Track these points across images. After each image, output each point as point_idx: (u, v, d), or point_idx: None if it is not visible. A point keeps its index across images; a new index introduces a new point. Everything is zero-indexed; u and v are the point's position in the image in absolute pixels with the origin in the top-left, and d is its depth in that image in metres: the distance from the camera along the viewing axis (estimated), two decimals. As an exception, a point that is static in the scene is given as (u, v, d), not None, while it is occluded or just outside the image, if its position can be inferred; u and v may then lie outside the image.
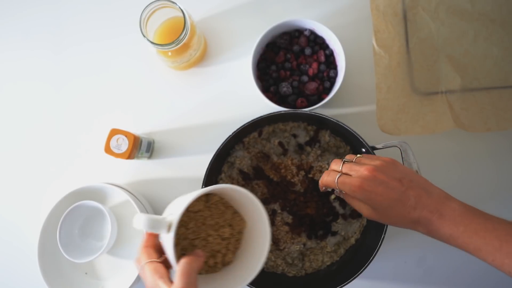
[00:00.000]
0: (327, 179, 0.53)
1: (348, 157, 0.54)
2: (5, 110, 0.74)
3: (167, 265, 0.44)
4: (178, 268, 0.41)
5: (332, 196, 0.64)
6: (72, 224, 0.65)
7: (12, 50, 0.75)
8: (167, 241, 0.42)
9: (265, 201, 0.66)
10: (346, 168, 0.51)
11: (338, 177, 0.51)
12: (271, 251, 0.65)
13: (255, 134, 0.67)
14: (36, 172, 0.72)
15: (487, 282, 0.68)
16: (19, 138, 0.73)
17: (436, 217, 0.46)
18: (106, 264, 0.68)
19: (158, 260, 0.44)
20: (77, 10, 0.74)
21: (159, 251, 0.45)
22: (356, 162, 0.52)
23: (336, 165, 0.53)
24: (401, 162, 0.57)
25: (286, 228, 0.65)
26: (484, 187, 0.69)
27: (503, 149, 0.69)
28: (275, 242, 0.65)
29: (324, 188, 0.57)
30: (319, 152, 0.66)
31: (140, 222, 0.42)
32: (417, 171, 0.56)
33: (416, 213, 0.47)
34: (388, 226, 0.58)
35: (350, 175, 0.50)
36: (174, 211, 0.44)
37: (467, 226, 0.45)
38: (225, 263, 0.49)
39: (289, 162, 0.66)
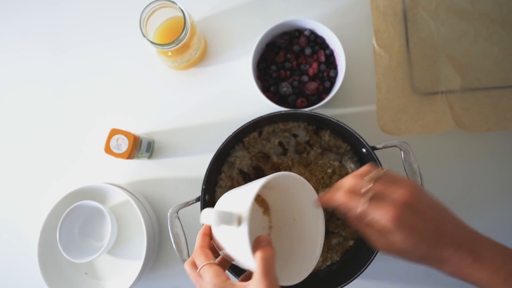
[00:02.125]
0: (349, 201, 0.43)
1: (373, 173, 0.44)
2: (5, 110, 0.74)
3: (223, 265, 0.43)
4: (257, 264, 0.39)
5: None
6: (72, 224, 0.65)
7: (12, 52, 0.75)
8: (239, 235, 0.40)
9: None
10: (378, 189, 0.42)
11: (368, 200, 0.42)
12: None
13: (255, 134, 0.67)
14: (36, 172, 0.72)
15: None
16: (19, 138, 0.73)
17: (472, 258, 0.40)
18: (106, 264, 0.68)
19: (216, 262, 0.42)
20: (77, 12, 0.74)
21: (214, 252, 0.44)
22: (382, 182, 0.43)
23: (355, 180, 0.43)
24: (401, 162, 0.57)
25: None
26: (484, 187, 0.69)
27: (503, 149, 0.69)
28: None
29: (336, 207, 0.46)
30: (319, 151, 0.66)
31: (210, 216, 0.40)
32: (417, 171, 0.56)
33: (448, 252, 0.41)
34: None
35: (376, 200, 0.42)
36: (235, 204, 0.42)
37: (510, 272, 0.39)
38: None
39: (290, 163, 0.66)
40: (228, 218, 0.40)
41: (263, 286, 0.38)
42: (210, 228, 0.45)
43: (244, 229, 0.40)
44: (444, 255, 0.41)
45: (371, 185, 0.42)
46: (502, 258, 0.40)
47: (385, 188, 0.42)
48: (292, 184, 0.49)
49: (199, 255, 0.42)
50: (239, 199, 0.43)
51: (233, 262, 0.46)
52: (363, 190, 0.42)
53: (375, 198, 0.42)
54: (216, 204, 0.47)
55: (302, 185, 0.47)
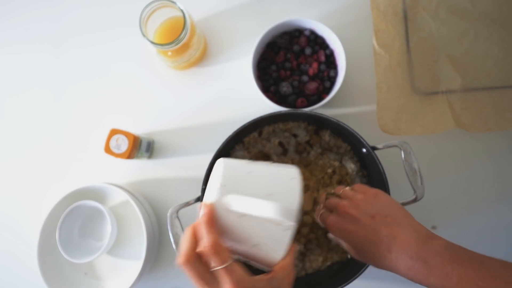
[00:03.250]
0: (315, 214, 0.51)
1: (337, 189, 0.51)
2: (6, 111, 0.74)
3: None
4: (289, 258, 0.40)
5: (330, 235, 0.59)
6: (72, 224, 0.65)
7: (12, 53, 0.75)
8: (278, 231, 0.38)
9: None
10: (328, 204, 0.49)
11: (320, 214, 0.49)
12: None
13: (255, 134, 0.67)
14: (36, 172, 0.72)
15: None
16: (20, 138, 0.73)
17: (420, 264, 0.40)
18: (106, 264, 0.68)
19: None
20: (77, 12, 0.74)
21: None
22: (340, 196, 0.49)
23: (322, 196, 0.51)
24: (402, 162, 0.57)
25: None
26: (484, 187, 0.69)
27: (503, 149, 0.69)
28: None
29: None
30: (319, 151, 0.66)
31: (274, 209, 0.38)
32: (417, 171, 0.56)
33: (392, 258, 0.42)
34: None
35: (330, 212, 0.48)
36: (273, 193, 0.39)
37: (461, 276, 0.39)
38: None
39: (290, 162, 0.66)
40: (289, 214, 0.38)
41: (290, 278, 0.39)
42: (213, 216, 0.39)
43: (291, 226, 0.38)
44: (390, 262, 0.42)
45: (323, 200, 0.50)
46: (451, 264, 0.40)
47: (337, 200, 0.48)
48: None
49: (221, 252, 0.37)
50: (277, 189, 0.39)
51: (235, 256, 0.41)
52: (323, 202, 0.50)
53: (323, 213, 0.49)
54: (222, 174, 0.40)
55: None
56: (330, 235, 0.53)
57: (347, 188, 0.50)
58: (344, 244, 0.49)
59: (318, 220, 0.50)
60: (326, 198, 0.50)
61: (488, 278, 0.39)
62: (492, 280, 0.38)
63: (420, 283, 0.42)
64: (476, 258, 0.40)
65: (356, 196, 0.47)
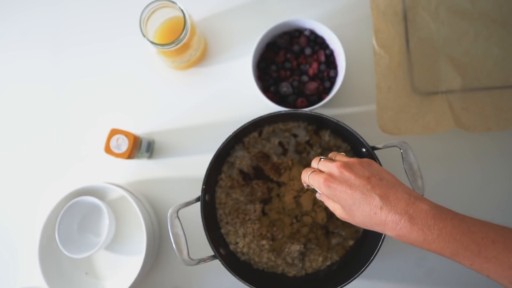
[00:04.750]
0: (303, 175, 0.52)
1: (331, 154, 0.53)
2: (6, 110, 0.74)
3: None
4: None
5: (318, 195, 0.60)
6: (71, 220, 0.65)
7: (12, 51, 0.75)
8: None
9: (265, 201, 0.66)
10: (320, 165, 0.50)
11: (309, 173, 0.50)
12: (271, 251, 0.65)
13: (255, 134, 0.67)
14: (36, 172, 0.72)
15: (486, 281, 0.68)
16: (19, 138, 0.73)
17: (406, 219, 0.43)
18: (106, 263, 0.68)
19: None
20: (77, 11, 0.74)
21: None
22: (333, 159, 0.51)
23: (314, 162, 0.52)
24: (401, 162, 0.57)
25: (286, 228, 0.65)
26: (484, 187, 0.69)
27: (503, 149, 0.69)
28: (275, 241, 0.65)
29: (305, 185, 0.54)
30: (319, 151, 0.66)
31: None
32: (417, 171, 0.56)
33: (382, 214, 0.44)
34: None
35: (322, 172, 0.49)
36: None
37: (441, 230, 0.42)
38: None
39: (290, 163, 0.66)
40: None
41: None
42: None
43: None
44: (380, 217, 0.44)
45: (316, 163, 0.51)
46: (433, 218, 0.42)
47: (331, 161, 0.49)
48: None
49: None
50: None
51: None
52: (315, 164, 0.51)
53: (315, 172, 0.50)
54: None
55: None
56: (318, 195, 0.53)
57: (341, 153, 0.52)
58: (332, 204, 0.50)
59: (307, 179, 0.50)
60: (320, 160, 0.51)
61: (467, 233, 0.41)
62: (470, 235, 0.41)
63: (405, 240, 0.44)
64: (458, 215, 0.43)
65: (351, 159, 0.49)
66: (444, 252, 0.42)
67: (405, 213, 0.43)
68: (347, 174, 0.47)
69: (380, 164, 0.58)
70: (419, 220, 0.43)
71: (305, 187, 0.56)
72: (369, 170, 0.47)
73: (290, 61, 0.68)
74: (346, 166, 0.47)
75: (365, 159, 0.49)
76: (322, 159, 0.51)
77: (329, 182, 0.47)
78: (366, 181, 0.46)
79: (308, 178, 0.50)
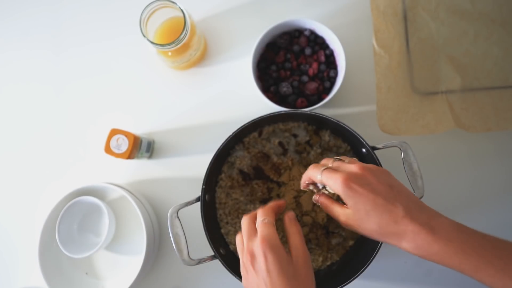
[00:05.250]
0: (312, 171, 0.49)
1: (343, 157, 0.51)
2: (6, 110, 0.74)
3: None
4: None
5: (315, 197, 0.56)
6: (71, 219, 0.66)
7: (12, 50, 0.75)
8: None
9: (265, 201, 0.66)
10: (336, 164, 0.48)
11: (323, 169, 0.47)
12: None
13: (255, 134, 0.67)
14: (36, 172, 0.72)
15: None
16: (19, 138, 0.73)
17: (428, 231, 0.41)
18: (106, 263, 0.68)
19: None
20: (77, 11, 0.74)
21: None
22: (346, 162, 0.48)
23: (327, 160, 0.50)
24: (401, 162, 0.57)
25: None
26: (484, 187, 0.69)
27: (503, 149, 0.69)
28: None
29: (306, 184, 0.52)
30: (319, 151, 0.66)
31: None
32: (417, 171, 0.56)
33: (403, 224, 0.42)
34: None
35: (330, 170, 0.47)
36: None
37: (464, 243, 0.40)
38: None
39: (290, 163, 0.66)
40: None
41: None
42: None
43: None
44: (399, 227, 0.42)
45: (330, 162, 0.49)
46: (456, 232, 0.41)
47: (342, 164, 0.47)
48: None
49: (267, 212, 0.47)
50: None
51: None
52: (328, 163, 0.49)
53: (330, 169, 0.47)
54: None
55: None
56: (316, 198, 0.51)
57: (353, 158, 0.50)
58: (339, 209, 0.47)
59: (318, 176, 0.48)
60: (335, 160, 0.49)
61: (490, 249, 0.40)
62: (493, 250, 0.40)
63: (423, 253, 0.42)
64: (479, 232, 0.42)
65: (370, 164, 0.47)
66: (465, 267, 0.41)
67: (426, 224, 0.42)
68: (370, 178, 0.44)
69: (380, 165, 0.58)
70: (441, 232, 0.41)
71: (303, 187, 0.53)
72: (390, 179, 0.46)
73: (290, 61, 0.68)
74: (367, 169, 0.45)
75: (382, 168, 0.48)
76: (336, 159, 0.49)
77: (350, 182, 0.44)
78: (389, 189, 0.44)
79: (321, 174, 0.47)
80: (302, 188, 0.53)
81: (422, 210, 0.44)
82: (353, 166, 0.46)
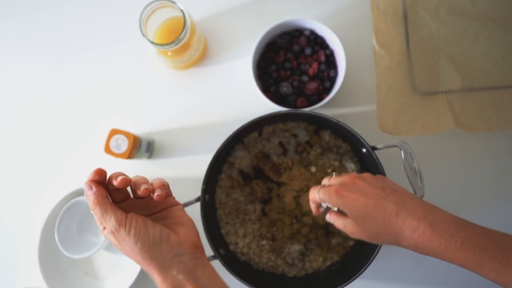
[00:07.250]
0: (312, 194, 0.50)
1: (343, 174, 0.51)
2: (6, 113, 0.74)
3: None
4: None
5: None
6: (71, 220, 0.65)
7: (11, 55, 0.75)
8: None
9: (265, 201, 0.66)
10: (332, 180, 0.49)
11: (319, 188, 0.48)
12: (271, 251, 0.65)
13: (255, 134, 0.67)
14: (36, 173, 0.72)
15: (486, 281, 0.68)
16: (19, 138, 0.73)
17: (426, 225, 0.40)
18: (106, 263, 0.68)
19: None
20: (77, 9, 0.74)
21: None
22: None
23: (325, 179, 0.51)
24: (402, 162, 0.57)
25: (286, 228, 0.65)
26: (484, 187, 0.69)
27: (503, 149, 0.69)
28: (275, 241, 0.65)
29: (315, 209, 0.51)
30: (319, 151, 0.66)
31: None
32: (417, 171, 0.56)
33: (398, 221, 0.42)
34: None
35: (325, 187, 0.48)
36: None
37: (465, 238, 0.39)
38: None
39: (290, 163, 0.66)
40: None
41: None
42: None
43: None
44: (395, 225, 0.42)
45: (327, 180, 0.49)
46: (456, 226, 0.40)
47: (336, 178, 0.48)
48: None
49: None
50: None
51: None
52: (326, 182, 0.50)
53: (325, 186, 0.48)
54: None
55: None
56: (328, 217, 0.50)
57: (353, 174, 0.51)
58: (342, 221, 0.47)
59: (316, 196, 0.48)
60: (331, 177, 0.50)
61: (493, 243, 0.39)
62: (496, 244, 0.39)
63: (423, 249, 0.42)
64: (479, 225, 0.41)
65: (364, 174, 0.48)
66: (468, 263, 0.40)
67: (423, 218, 0.41)
68: (360, 184, 0.45)
69: (381, 165, 0.58)
70: (440, 227, 0.40)
71: (314, 213, 0.51)
72: (383, 182, 0.46)
73: (290, 61, 0.68)
74: (358, 177, 0.46)
75: (378, 175, 0.48)
76: (333, 175, 0.50)
77: (341, 191, 0.45)
78: (380, 190, 0.44)
79: (318, 192, 0.48)
80: (314, 214, 0.52)
81: (417, 205, 0.43)
82: (345, 177, 0.47)
